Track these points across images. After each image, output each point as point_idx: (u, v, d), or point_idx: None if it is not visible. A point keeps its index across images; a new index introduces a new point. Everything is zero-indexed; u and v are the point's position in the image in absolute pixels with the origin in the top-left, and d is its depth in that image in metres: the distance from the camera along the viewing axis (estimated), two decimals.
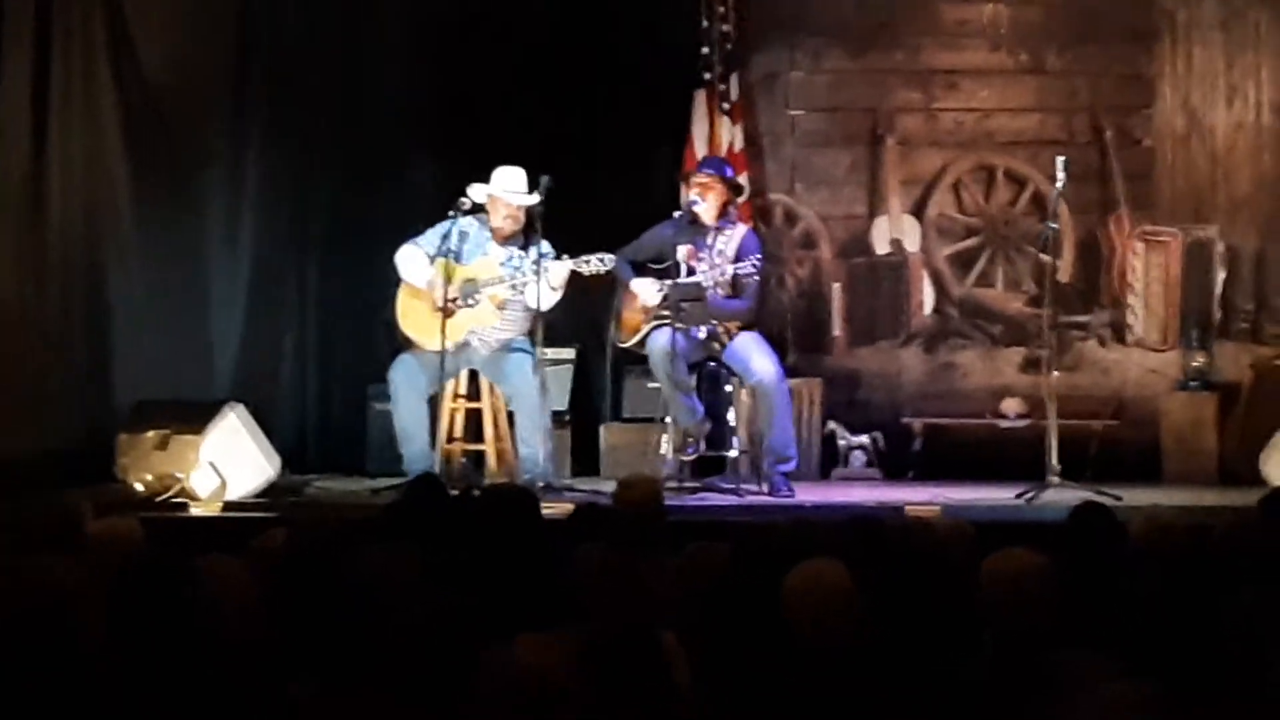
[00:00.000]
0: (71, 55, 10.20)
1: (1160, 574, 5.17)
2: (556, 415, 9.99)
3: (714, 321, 9.37)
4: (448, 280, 9.27)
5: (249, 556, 5.24)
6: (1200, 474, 10.42)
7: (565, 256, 9.24)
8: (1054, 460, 9.15)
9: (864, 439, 10.80)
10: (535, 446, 9.28)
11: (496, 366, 9.49)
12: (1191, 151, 11.13)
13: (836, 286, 11.34)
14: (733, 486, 9.36)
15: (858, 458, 10.79)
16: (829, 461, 10.85)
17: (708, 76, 11.02)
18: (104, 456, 9.29)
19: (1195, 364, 10.82)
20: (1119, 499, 8.26)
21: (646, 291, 9.38)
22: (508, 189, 9.39)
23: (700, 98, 11.03)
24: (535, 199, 9.28)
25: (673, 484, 9.07)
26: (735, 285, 9.32)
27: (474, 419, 9.73)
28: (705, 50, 11.01)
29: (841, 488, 10.28)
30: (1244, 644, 4.22)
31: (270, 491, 9.36)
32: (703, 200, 9.41)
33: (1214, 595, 4.55)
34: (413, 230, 9.61)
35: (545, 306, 9.23)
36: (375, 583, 4.55)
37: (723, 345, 9.42)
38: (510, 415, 9.57)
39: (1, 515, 6.33)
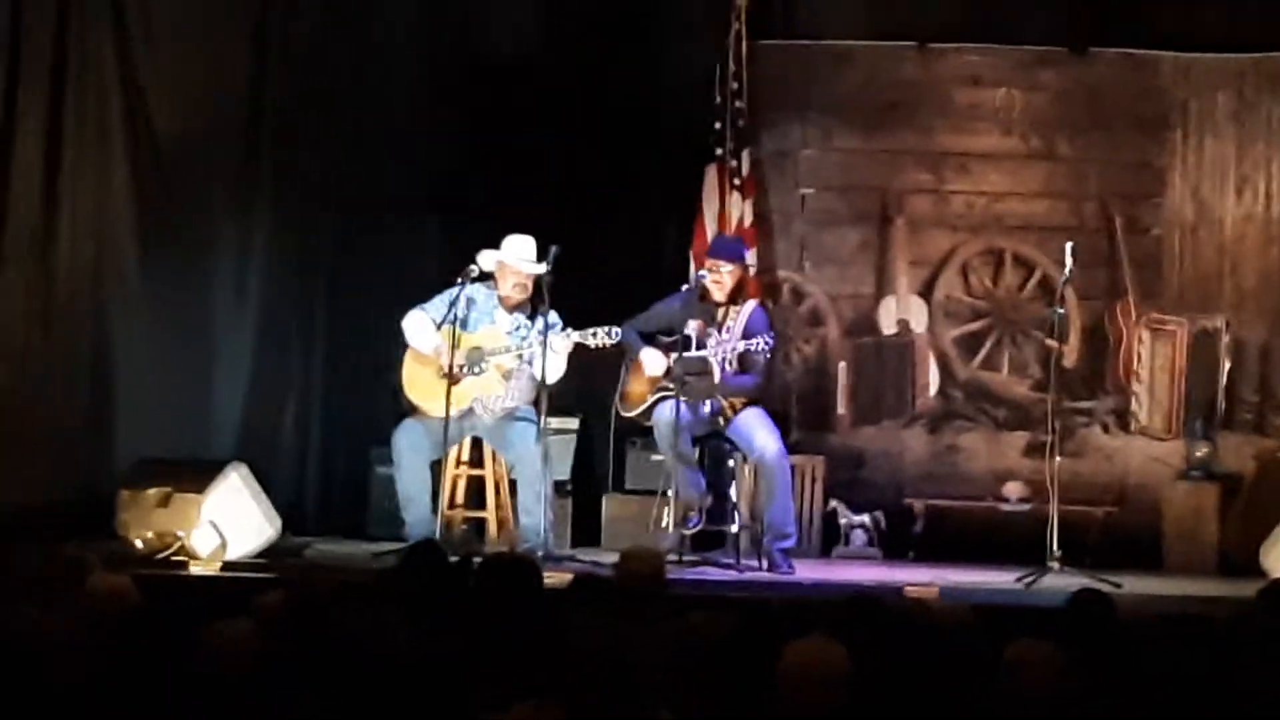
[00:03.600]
0: (85, 105, 10.22)
1: (1156, 662, 5.15)
2: (558, 485, 9.97)
3: (719, 396, 9.36)
4: (454, 347, 9.28)
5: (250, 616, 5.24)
6: (1200, 564, 10.39)
7: (570, 329, 9.24)
8: (1055, 545, 9.13)
9: (865, 518, 10.76)
10: (536, 515, 9.25)
11: (500, 434, 9.49)
12: (1200, 241, 11.15)
13: (842, 365, 11.33)
14: (732, 561, 9.34)
15: (859, 536, 10.76)
16: (830, 539, 10.81)
17: (719, 152, 11.05)
18: (102, 511, 9.25)
19: (1198, 454, 10.79)
20: (1119, 586, 8.25)
21: (654, 363, 9.38)
22: (518, 256, 9.40)
23: (711, 173, 11.06)
24: (544, 268, 9.27)
25: (673, 557, 9.01)
26: (743, 361, 9.30)
27: (476, 486, 9.72)
28: (718, 126, 11.04)
29: (842, 566, 10.23)
30: None
31: (270, 552, 9.32)
32: (718, 287, 9.38)
33: (1211, 685, 4.54)
34: (420, 294, 9.62)
35: (552, 378, 9.23)
36: (366, 646, 4.53)
37: (727, 420, 9.40)
38: (512, 483, 9.57)
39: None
